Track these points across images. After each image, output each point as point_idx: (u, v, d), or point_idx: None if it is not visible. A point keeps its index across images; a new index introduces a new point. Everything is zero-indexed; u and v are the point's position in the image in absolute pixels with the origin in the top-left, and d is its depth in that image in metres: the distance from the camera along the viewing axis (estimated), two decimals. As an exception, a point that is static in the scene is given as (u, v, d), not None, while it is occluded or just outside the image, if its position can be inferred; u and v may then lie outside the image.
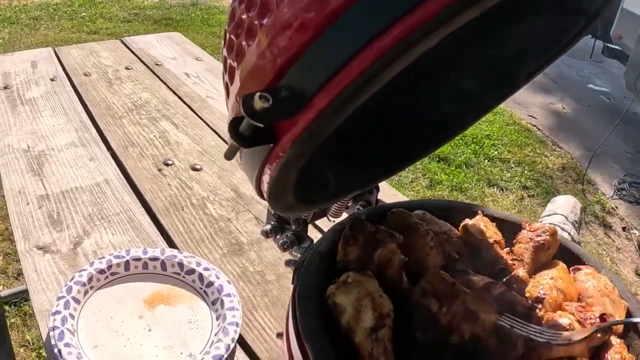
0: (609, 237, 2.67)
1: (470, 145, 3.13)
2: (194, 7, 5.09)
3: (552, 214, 1.85)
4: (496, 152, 3.13)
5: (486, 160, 3.04)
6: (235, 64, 0.37)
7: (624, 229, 2.72)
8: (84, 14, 4.68)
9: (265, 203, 1.05)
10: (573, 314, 0.49)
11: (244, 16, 0.36)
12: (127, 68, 1.67)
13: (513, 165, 3.05)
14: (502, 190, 2.84)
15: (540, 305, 0.50)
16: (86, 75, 1.61)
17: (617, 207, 2.86)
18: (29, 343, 1.79)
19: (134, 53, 1.79)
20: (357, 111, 0.31)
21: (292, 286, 0.87)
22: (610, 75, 4.12)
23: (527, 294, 0.51)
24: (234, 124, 0.33)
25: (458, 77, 0.50)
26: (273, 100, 0.31)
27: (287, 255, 0.61)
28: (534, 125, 3.53)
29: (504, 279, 0.53)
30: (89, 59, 1.73)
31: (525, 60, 0.50)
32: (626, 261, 2.56)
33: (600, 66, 4.18)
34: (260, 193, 0.41)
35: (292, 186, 0.39)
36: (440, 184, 2.80)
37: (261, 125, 0.32)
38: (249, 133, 0.33)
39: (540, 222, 1.98)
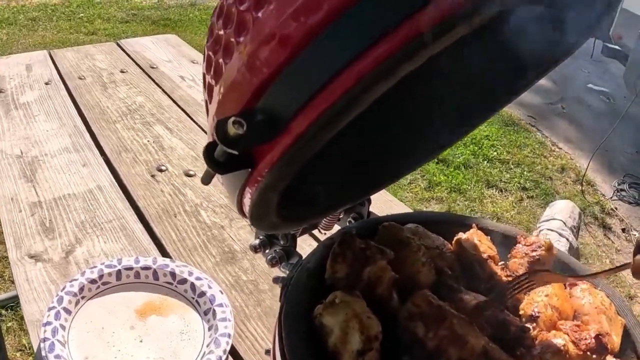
0: (609, 238, 2.66)
1: (469, 146, 3.11)
2: (192, 7, 5.08)
3: (551, 219, 1.84)
4: (495, 153, 3.12)
5: (485, 161, 3.03)
6: (213, 82, 0.36)
7: (623, 230, 2.71)
8: (82, 14, 4.66)
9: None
10: (568, 334, 0.48)
11: (221, 32, 0.35)
12: (122, 71, 1.66)
13: (512, 166, 3.04)
14: (501, 191, 2.83)
15: (534, 324, 0.48)
16: (81, 78, 1.60)
17: (616, 208, 2.85)
18: (26, 347, 1.78)
19: (129, 56, 1.78)
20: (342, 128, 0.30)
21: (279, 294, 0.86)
22: (609, 75, 4.10)
23: (521, 312, 0.50)
24: (208, 150, 0.32)
25: (451, 89, 0.48)
26: (248, 125, 0.30)
27: (276, 268, 0.60)
28: (533, 126, 3.52)
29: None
30: (84, 62, 1.72)
31: (523, 71, 0.49)
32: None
33: (599, 66, 4.16)
34: (242, 214, 0.40)
35: (275, 207, 0.38)
36: (439, 185, 2.78)
37: (235, 153, 0.31)
38: (224, 159, 0.32)
39: (539, 227, 1.97)
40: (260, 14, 0.31)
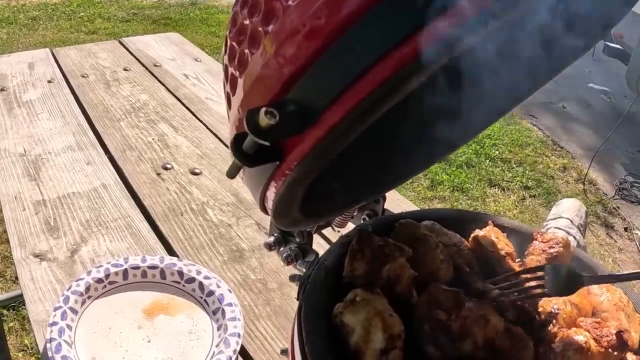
0: (611, 237, 2.65)
1: (471, 145, 3.11)
2: (193, 6, 5.06)
3: (558, 218, 1.83)
4: (497, 152, 3.11)
5: (487, 160, 3.02)
6: (237, 74, 0.35)
7: (625, 229, 2.71)
8: (83, 13, 4.65)
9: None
10: (589, 331, 0.47)
11: (247, 22, 0.34)
12: (125, 69, 1.65)
13: (514, 165, 3.03)
14: (504, 190, 2.83)
15: (554, 321, 0.48)
16: (84, 76, 1.59)
17: (618, 207, 2.84)
18: (28, 347, 1.77)
19: (132, 54, 1.77)
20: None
21: (294, 294, 0.85)
22: (611, 75, 4.10)
23: (540, 308, 0.49)
24: (237, 141, 0.31)
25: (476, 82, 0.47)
26: (280, 115, 0.29)
27: (290, 266, 0.59)
28: (535, 125, 3.51)
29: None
30: (86, 60, 1.71)
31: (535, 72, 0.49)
32: (628, 262, 2.54)
33: (601, 65, 4.15)
34: (264, 209, 0.39)
35: (299, 202, 0.37)
36: (441, 184, 2.78)
37: (267, 144, 0.30)
38: (253, 151, 0.31)
39: (546, 225, 1.97)
40: (290, 2, 0.30)
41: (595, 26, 0.43)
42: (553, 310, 0.49)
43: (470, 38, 0.25)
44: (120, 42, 1.86)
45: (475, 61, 0.31)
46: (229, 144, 0.33)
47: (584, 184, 2.93)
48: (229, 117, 0.39)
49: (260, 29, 0.32)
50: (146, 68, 1.67)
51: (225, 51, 0.37)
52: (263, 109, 0.28)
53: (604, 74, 4.11)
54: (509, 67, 0.46)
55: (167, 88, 1.55)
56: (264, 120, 0.28)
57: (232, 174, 0.35)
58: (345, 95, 0.29)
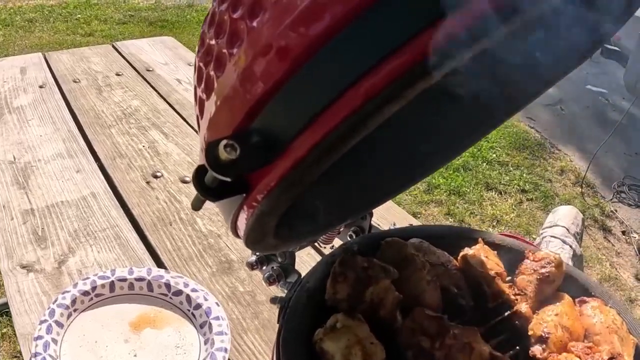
0: (609, 241, 2.64)
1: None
2: (190, 8, 5.05)
3: (554, 226, 1.82)
4: (494, 155, 3.10)
5: (484, 164, 3.01)
6: (204, 97, 0.33)
7: (623, 232, 2.69)
8: (79, 15, 4.63)
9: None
10: (580, 357, 0.46)
11: (213, 42, 0.32)
12: (117, 74, 1.63)
13: (511, 168, 3.02)
14: (501, 193, 2.81)
15: (544, 346, 0.46)
16: (75, 81, 1.57)
17: (616, 211, 2.83)
18: (20, 354, 1.76)
19: (125, 58, 1.75)
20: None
21: (277, 315, 0.84)
22: (608, 77, 4.08)
23: (530, 332, 0.48)
24: (199, 174, 0.29)
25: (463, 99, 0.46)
26: (241, 149, 0.27)
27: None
28: (532, 127, 3.50)
29: (505, 314, 0.50)
30: (79, 64, 1.69)
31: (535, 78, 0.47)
32: (626, 265, 2.53)
33: (598, 67, 4.14)
34: (237, 236, 0.38)
35: (272, 230, 0.36)
36: (438, 187, 2.76)
37: (227, 180, 0.28)
38: (215, 185, 0.29)
39: (542, 233, 1.95)
40: (255, 23, 0.28)
41: (586, 43, 0.42)
42: (543, 334, 0.48)
43: (445, 67, 0.23)
44: (114, 46, 1.85)
45: (452, 84, 0.29)
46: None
47: (581, 187, 2.91)
48: (200, 140, 0.38)
49: (225, 50, 0.30)
50: (139, 73, 1.65)
51: (195, 72, 0.35)
52: (223, 142, 0.26)
53: (601, 76, 4.10)
54: (496, 86, 0.44)
55: (159, 93, 1.53)
56: (223, 154, 0.26)
57: (196, 206, 0.34)
58: (313, 125, 0.27)
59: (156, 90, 1.54)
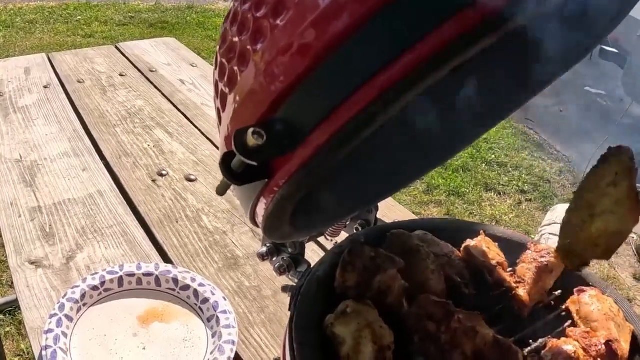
0: (607, 241, 2.66)
1: (467, 149, 3.12)
2: (190, 10, 5.07)
3: (553, 224, 1.84)
4: (493, 156, 3.12)
5: (483, 164, 3.03)
6: (227, 90, 0.35)
7: (621, 233, 2.71)
8: (80, 17, 4.65)
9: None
10: (578, 341, 0.48)
11: (236, 39, 0.34)
12: (121, 75, 1.65)
13: (510, 169, 3.04)
14: (500, 194, 2.83)
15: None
16: (80, 82, 1.59)
17: (614, 211, 2.85)
18: (24, 352, 1.77)
19: (128, 59, 1.77)
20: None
21: (288, 303, 0.86)
22: (607, 78, 4.11)
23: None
24: (225, 160, 0.31)
25: (470, 92, 0.48)
26: (267, 135, 0.29)
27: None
28: (531, 129, 3.53)
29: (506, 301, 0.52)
30: (82, 65, 1.71)
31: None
32: (624, 265, 2.55)
33: (597, 69, 4.17)
34: (255, 223, 0.40)
35: (289, 217, 0.38)
36: (437, 188, 2.78)
37: (254, 164, 0.30)
38: (241, 170, 0.31)
39: (541, 231, 1.97)
40: (278, 22, 0.30)
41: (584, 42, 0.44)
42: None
43: (454, 61, 0.25)
44: (117, 47, 1.87)
45: (463, 81, 0.31)
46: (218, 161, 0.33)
47: (580, 188, 2.93)
48: (219, 132, 0.40)
49: (249, 47, 0.33)
50: (142, 73, 1.67)
51: (216, 67, 0.37)
52: (251, 130, 0.29)
53: (600, 78, 4.13)
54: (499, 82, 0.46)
55: (162, 94, 1.55)
56: (251, 140, 0.29)
57: (221, 191, 0.36)
58: (332, 116, 0.29)
59: (160, 91, 1.56)
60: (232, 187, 0.40)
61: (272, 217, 0.36)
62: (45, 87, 1.54)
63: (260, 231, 1.01)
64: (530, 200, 2.81)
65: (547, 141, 3.41)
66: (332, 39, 0.28)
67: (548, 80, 0.45)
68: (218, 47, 0.37)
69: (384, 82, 0.27)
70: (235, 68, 0.34)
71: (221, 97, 0.36)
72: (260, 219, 0.38)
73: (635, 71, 3.21)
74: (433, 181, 2.80)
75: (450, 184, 2.81)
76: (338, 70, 0.29)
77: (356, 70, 0.28)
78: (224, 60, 0.35)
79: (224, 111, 0.36)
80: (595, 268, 2.42)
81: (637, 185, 0.45)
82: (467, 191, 2.80)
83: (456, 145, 0.53)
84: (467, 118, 0.46)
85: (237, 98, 0.34)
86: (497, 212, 2.67)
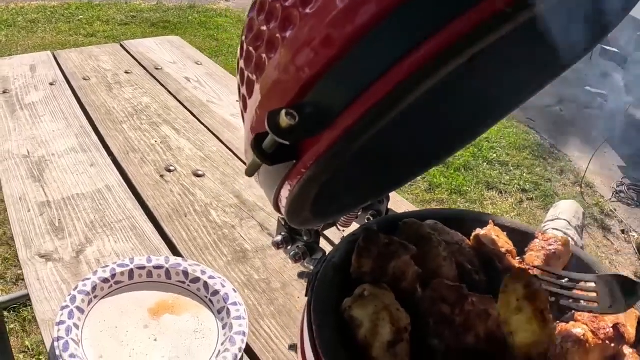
0: (608, 239, 2.67)
1: (469, 148, 3.13)
2: (192, 9, 5.08)
3: (555, 219, 1.85)
4: (495, 155, 3.13)
5: (485, 163, 3.05)
6: (254, 77, 0.36)
7: (622, 231, 2.73)
8: (81, 16, 4.66)
9: (270, 210, 1.04)
10: (586, 324, 0.49)
11: (264, 28, 0.35)
12: (126, 72, 1.66)
13: (512, 168, 3.06)
14: (501, 193, 2.85)
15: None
16: (85, 79, 1.60)
17: (615, 210, 2.86)
18: (29, 349, 1.78)
19: (133, 57, 1.78)
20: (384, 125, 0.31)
21: (298, 294, 0.87)
22: (608, 78, 4.13)
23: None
24: (257, 141, 0.33)
25: (482, 83, 0.49)
26: (299, 117, 0.30)
27: (293, 264, 0.60)
28: (532, 128, 3.54)
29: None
30: (88, 63, 1.72)
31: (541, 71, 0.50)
32: (625, 264, 2.56)
33: (598, 69, 4.18)
34: (277, 208, 0.41)
35: (311, 202, 0.39)
36: (439, 187, 2.80)
37: (287, 143, 0.31)
38: (272, 150, 0.33)
39: (544, 227, 1.99)
40: (308, 10, 0.32)
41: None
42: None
43: (476, 47, 0.26)
44: (122, 45, 1.88)
45: (479, 70, 0.32)
46: (248, 144, 0.34)
47: (581, 187, 2.95)
48: (243, 119, 0.41)
49: (277, 35, 0.34)
50: (147, 71, 1.68)
51: (242, 55, 0.38)
52: (284, 111, 0.30)
53: (601, 78, 4.14)
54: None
55: (168, 91, 1.56)
56: (284, 121, 0.30)
57: (251, 172, 0.37)
58: (359, 100, 0.30)
59: (166, 88, 1.57)
60: (257, 176, 0.41)
61: (296, 200, 0.37)
62: (51, 84, 1.55)
63: (268, 225, 1.02)
64: (532, 199, 2.83)
65: (548, 140, 3.43)
66: (360, 27, 0.29)
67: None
68: (244, 36, 0.38)
69: (408, 67, 0.28)
70: (264, 55, 0.35)
71: (247, 84, 0.37)
72: (284, 202, 0.39)
73: (635, 71, 3.22)
74: (435, 180, 2.82)
75: (452, 183, 2.82)
76: (366, 56, 0.30)
77: (383, 55, 0.29)
78: (250, 48, 0.36)
79: (250, 97, 0.37)
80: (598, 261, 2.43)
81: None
82: (469, 190, 2.81)
83: (464, 136, 0.55)
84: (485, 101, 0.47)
85: (265, 84, 0.35)
86: (498, 211, 2.69)
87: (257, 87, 0.36)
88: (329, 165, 0.33)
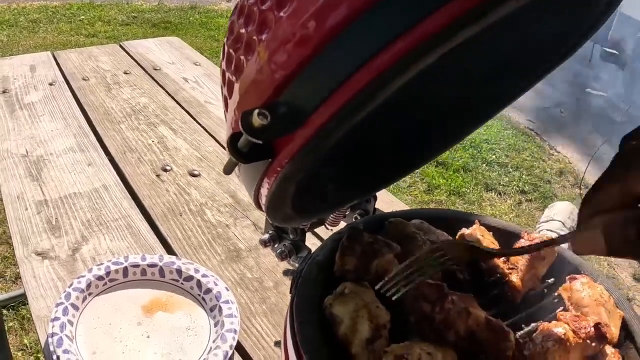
0: (607, 241, 2.67)
1: (468, 149, 3.14)
2: (193, 10, 5.10)
3: (550, 220, 1.86)
4: (494, 157, 3.14)
5: (484, 165, 3.05)
6: (234, 79, 0.37)
7: (621, 233, 2.72)
8: (83, 17, 4.68)
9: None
10: (568, 324, 0.49)
11: (243, 31, 0.36)
12: (125, 73, 1.67)
13: (511, 169, 3.06)
14: (500, 194, 2.85)
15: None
16: (85, 80, 1.61)
17: (614, 212, 2.86)
18: (27, 347, 1.79)
19: (132, 58, 1.79)
20: (356, 123, 0.32)
21: (290, 294, 0.88)
22: (608, 80, 4.13)
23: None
24: (233, 140, 0.34)
25: (463, 83, 0.50)
26: (272, 117, 0.31)
27: (286, 264, 0.61)
28: (532, 130, 3.54)
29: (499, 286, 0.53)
30: (87, 63, 1.73)
31: (531, 64, 0.51)
32: (624, 265, 2.56)
33: (598, 70, 4.19)
34: (259, 205, 0.42)
35: (291, 199, 0.40)
36: (438, 188, 2.80)
37: (260, 142, 0.32)
38: (247, 149, 0.34)
39: (539, 228, 2.00)
40: (282, 14, 0.33)
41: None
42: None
43: (444, 47, 0.27)
44: (121, 46, 1.89)
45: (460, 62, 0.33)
46: (225, 145, 0.35)
47: (580, 189, 2.95)
48: (226, 119, 0.42)
49: (255, 37, 0.35)
50: (146, 72, 1.69)
51: (223, 57, 0.39)
52: (256, 111, 0.31)
53: (601, 79, 4.15)
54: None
55: (167, 92, 1.57)
56: (257, 120, 0.31)
57: (228, 170, 0.38)
58: (331, 98, 0.32)
59: (164, 89, 1.58)
60: (238, 173, 0.42)
61: (275, 198, 0.38)
62: (50, 84, 1.56)
63: (262, 225, 1.02)
64: (531, 200, 2.83)
65: (548, 142, 3.43)
66: (331, 29, 0.31)
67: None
68: (226, 38, 0.40)
69: (377, 67, 0.29)
70: (242, 57, 0.36)
71: (228, 85, 0.38)
72: (264, 200, 0.40)
73: (635, 73, 3.22)
74: (434, 181, 2.82)
75: (451, 184, 2.83)
76: (337, 57, 0.31)
77: (353, 57, 0.31)
78: (231, 51, 0.38)
79: (230, 98, 0.38)
80: (595, 268, 2.44)
81: None
82: (468, 191, 2.81)
83: (448, 139, 0.56)
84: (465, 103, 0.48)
85: (244, 85, 0.36)
86: (497, 212, 2.69)
87: (236, 88, 0.37)
88: (304, 163, 0.34)
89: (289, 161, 0.34)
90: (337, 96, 0.31)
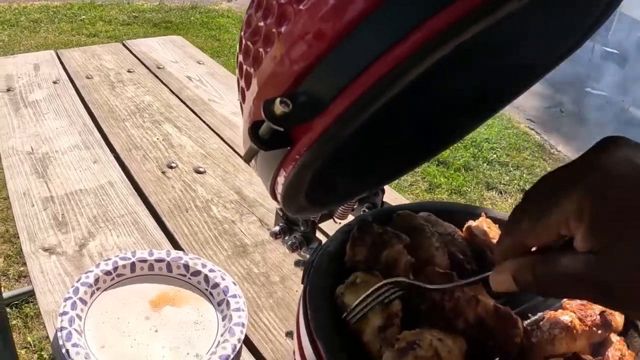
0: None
1: (469, 148, 3.15)
2: (194, 10, 5.11)
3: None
4: (495, 156, 3.15)
5: (485, 164, 3.06)
6: (252, 70, 0.38)
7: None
8: (84, 16, 4.69)
9: (269, 205, 1.06)
10: (574, 312, 0.50)
11: (261, 23, 0.37)
12: (129, 71, 1.68)
13: (512, 168, 3.07)
14: (501, 193, 2.86)
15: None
16: (88, 78, 1.62)
17: (614, 210, 2.87)
18: (30, 345, 1.80)
19: (135, 56, 1.80)
20: (372, 113, 0.33)
21: (296, 287, 0.88)
22: (608, 79, 4.14)
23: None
24: (254, 128, 0.35)
25: (473, 76, 0.51)
26: (293, 105, 0.33)
27: (292, 257, 0.62)
28: (532, 129, 3.56)
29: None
30: (90, 62, 1.74)
31: (536, 62, 0.52)
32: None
33: (598, 70, 4.20)
34: (274, 195, 0.43)
35: (305, 188, 0.41)
36: (439, 187, 2.81)
37: (281, 129, 0.33)
38: (268, 137, 0.35)
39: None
40: (301, 6, 0.34)
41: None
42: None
43: (460, 37, 0.28)
44: (124, 45, 1.90)
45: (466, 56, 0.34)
46: (246, 132, 0.36)
47: (580, 187, 2.96)
48: (242, 110, 0.43)
49: (273, 30, 0.36)
50: (150, 70, 1.70)
51: (240, 50, 0.40)
52: (278, 99, 0.32)
53: (601, 79, 4.16)
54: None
55: (170, 90, 1.58)
56: (279, 108, 0.32)
57: (248, 158, 0.39)
58: (349, 88, 0.33)
59: (168, 87, 1.59)
60: (254, 164, 0.43)
61: (292, 186, 0.39)
62: (54, 82, 1.57)
63: (267, 220, 1.03)
64: (531, 199, 2.84)
65: (548, 141, 3.44)
66: (351, 20, 0.32)
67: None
68: (242, 31, 0.41)
69: (395, 57, 0.30)
70: (261, 49, 0.37)
71: (245, 77, 0.39)
72: (279, 189, 0.41)
73: (635, 71, 3.24)
74: (435, 180, 2.83)
75: (452, 183, 2.84)
76: (354, 49, 0.32)
77: (371, 48, 0.32)
78: (248, 43, 0.39)
79: (248, 89, 0.39)
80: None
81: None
82: (469, 190, 2.83)
83: (456, 131, 0.56)
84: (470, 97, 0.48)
85: (262, 76, 0.37)
86: (498, 211, 2.70)
87: (254, 79, 0.38)
88: (322, 151, 0.35)
89: (307, 149, 0.35)
90: (356, 85, 0.32)
